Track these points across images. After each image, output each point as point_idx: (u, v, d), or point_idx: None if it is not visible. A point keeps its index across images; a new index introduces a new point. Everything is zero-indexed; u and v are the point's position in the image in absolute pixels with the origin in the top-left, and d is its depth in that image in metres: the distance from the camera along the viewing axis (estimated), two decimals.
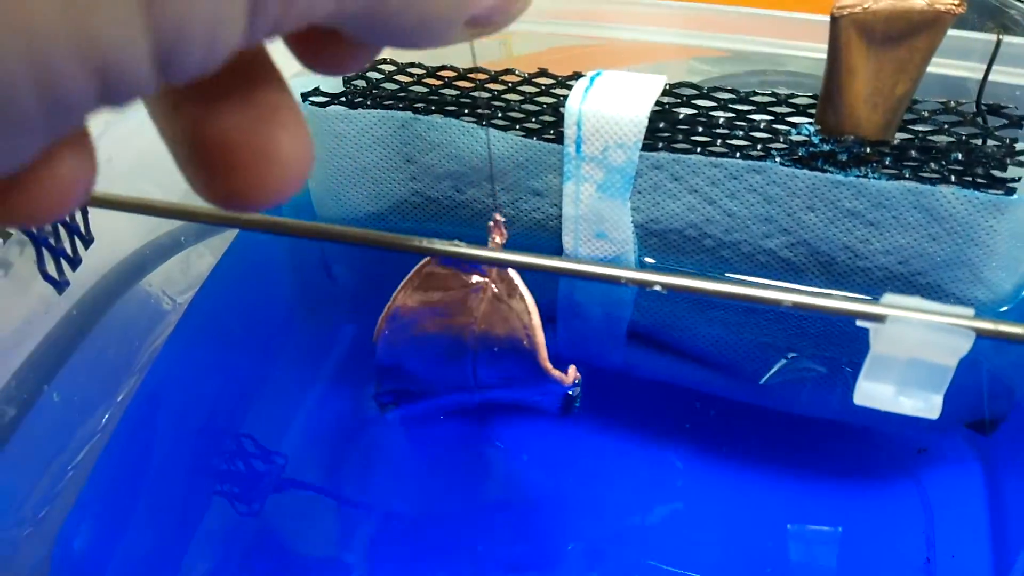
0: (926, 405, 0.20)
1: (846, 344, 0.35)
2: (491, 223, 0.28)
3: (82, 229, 0.26)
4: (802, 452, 0.38)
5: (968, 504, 0.37)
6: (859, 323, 0.21)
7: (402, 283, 0.30)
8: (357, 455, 0.39)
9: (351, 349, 0.42)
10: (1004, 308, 0.29)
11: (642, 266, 0.32)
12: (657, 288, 0.21)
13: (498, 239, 0.28)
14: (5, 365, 0.28)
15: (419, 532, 0.37)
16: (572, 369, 0.32)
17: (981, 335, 0.19)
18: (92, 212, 0.28)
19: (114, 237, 0.34)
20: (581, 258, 0.31)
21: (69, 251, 0.25)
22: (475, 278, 0.29)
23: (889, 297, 0.20)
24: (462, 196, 0.33)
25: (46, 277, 0.24)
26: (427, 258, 0.29)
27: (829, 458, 0.38)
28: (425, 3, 0.11)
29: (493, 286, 0.29)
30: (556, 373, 0.31)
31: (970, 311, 0.19)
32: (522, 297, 0.29)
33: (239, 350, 0.39)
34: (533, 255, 0.25)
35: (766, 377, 0.35)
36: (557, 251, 0.33)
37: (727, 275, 0.32)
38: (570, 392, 0.37)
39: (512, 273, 0.29)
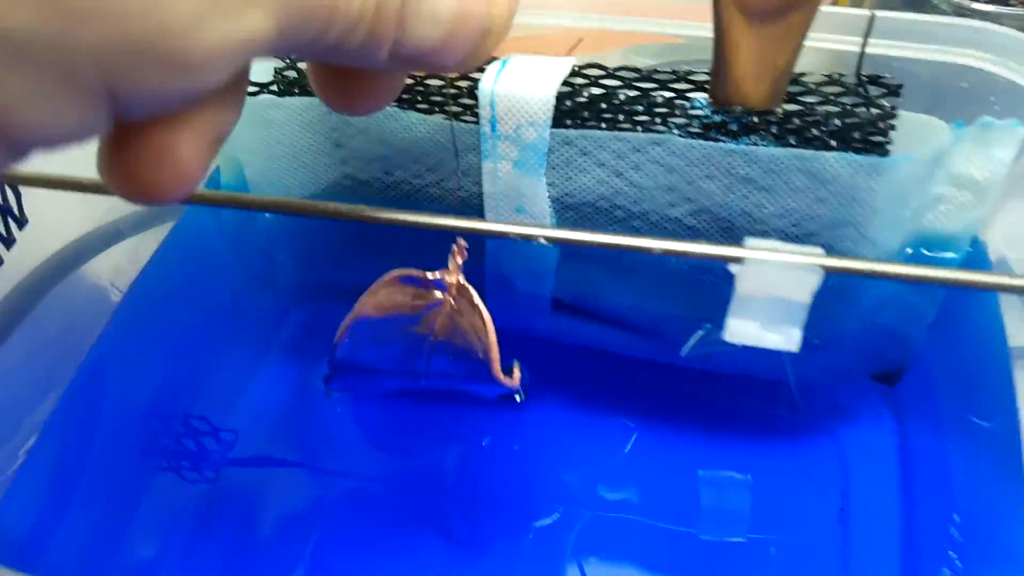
0: (786, 339, 0.22)
1: None
2: (454, 246, 0.30)
3: (15, 211, 0.27)
4: (725, 410, 0.40)
5: (880, 456, 0.39)
6: (730, 268, 0.22)
7: (364, 295, 0.32)
8: (305, 431, 0.41)
9: (297, 329, 0.44)
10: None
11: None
12: (542, 241, 0.23)
13: (459, 260, 0.30)
14: None
15: (367, 507, 0.39)
16: (516, 372, 0.34)
17: (828, 271, 0.21)
18: (27, 197, 0.30)
19: (52, 226, 0.35)
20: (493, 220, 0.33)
21: (3, 231, 0.27)
22: (436, 294, 0.31)
23: (750, 241, 0.21)
24: (391, 178, 0.35)
25: None
26: (389, 273, 0.31)
27: (751, 415, 0.40)
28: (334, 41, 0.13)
29: (452, 301, 0.31)
30: (507, 381, 0.33)
31: (819, 250, 0.21)
32: (481, 315, 0.31)
33: (183, 332, 0.40)
34: (451, 217, 0.26)
35: (686, 349, 0.37)
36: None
37: None
38: (516, 396, 0.38)
39: (472, 292, 0.31)
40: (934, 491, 0.36)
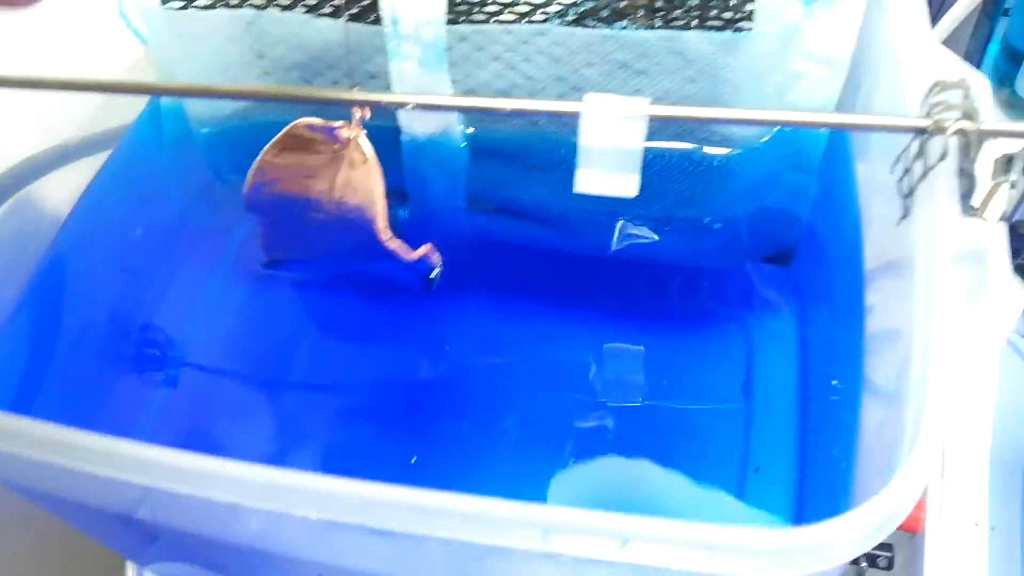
0: (626, 184, 0.25)
1: (669, 201, 0.39)
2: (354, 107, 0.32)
3: None
4: (638, 295, 0.43)
5: (780, 333, 0.42)
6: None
7: (271, 142, 0.34)
8: (253, 336, 0.44)
9: (242, 242, 0.46)
10: (764, 139, 0.34)
11: (468, 138, 0.37)
12: (410, 107, 0.26)
13: (359, 115, 0.32)
14: None
15: (313, 404, 0.42)
16: (425, 248, 0.37)
17: (653, 118, 0.23)
18: None
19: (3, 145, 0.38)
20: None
21: None
22: (336, 146, 0.33)
23: (588, 96, 0.24)
24: (311, 85, 0.38)
25: None
26: (295, 121, 0.33)
27: (661, 299, 0.43)
28: None
29: (352, 155, 0.33)
30: (393, 244, 0.35)
31: (645, 100, 0.24)
32: (369, 164, 0.32)
33: (133, 248, 0.43)
34: (381, 93, 0.29)
35: (614, 244, 0.39)
36: (396, 130, 0.37)
37: (545, 136, 0.37)
38: (431, 276, 0.41)
39: (363, 140, 0.33)
40: (825, 357, 0.39)
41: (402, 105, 0.25)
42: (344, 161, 0.33)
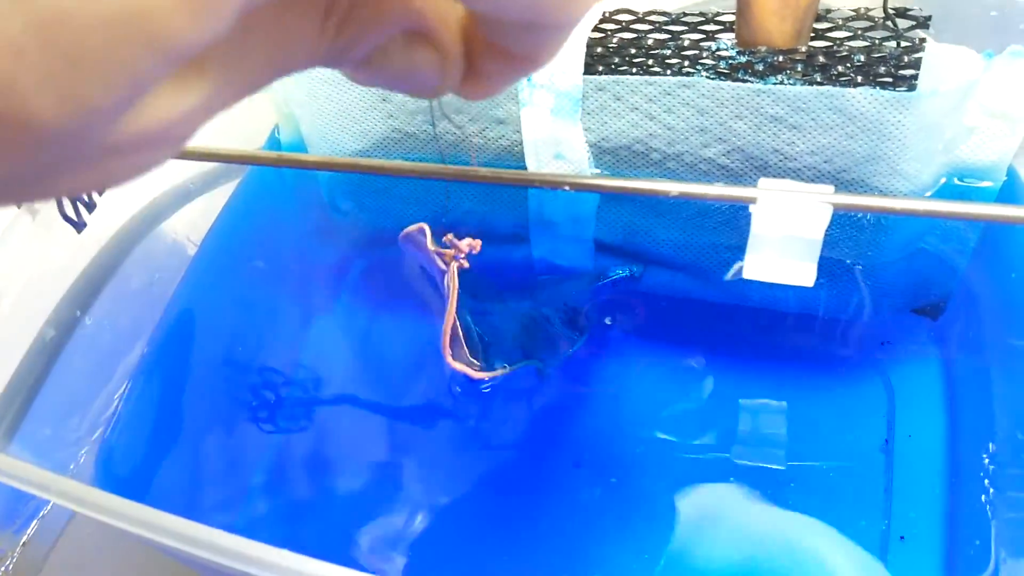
0: (802, 274, 0.23)
1: None
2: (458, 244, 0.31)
3: None
4: (771, 345, 0.41)
5: (925, 389, 0.39)
6: (751, 208, 0.24)
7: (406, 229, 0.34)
8: (373, 373, 0.44)
9: (359, 277, 0.46)
10: (928, 195, 0.31)
11: None
12: (566, 188, 0.25)
13: (463, 250, 0.32)
14: (49, 296, 0.33)
15: (439, 448, 0.41)
16: (491, 373, 0.36)
17: (837, 208, 0.22)
18: None
19: (129, 188, 0.38)
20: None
21: (84, 195, 0.30)
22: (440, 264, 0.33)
23: (763, 181, 0.22)
24: (435, 130, 0.37)
25: (65, 218, 0.29)
26: (418, 225, 0.34)
27: (797, 350, 0.41)
28: None
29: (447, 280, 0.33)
30: (456, 366, 0.35)
31: (830, 188, 0.22)
32: (449, 303, 0.33)
33: (254, 284, 0.43)
34: (486, 169, 0.28)
35: (730, 273, 0.38)
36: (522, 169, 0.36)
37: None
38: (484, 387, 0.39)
39: (452, 279, 0.33)
40: (978, 421, 0.36)
41: (559, 186, 0.24)
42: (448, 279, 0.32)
